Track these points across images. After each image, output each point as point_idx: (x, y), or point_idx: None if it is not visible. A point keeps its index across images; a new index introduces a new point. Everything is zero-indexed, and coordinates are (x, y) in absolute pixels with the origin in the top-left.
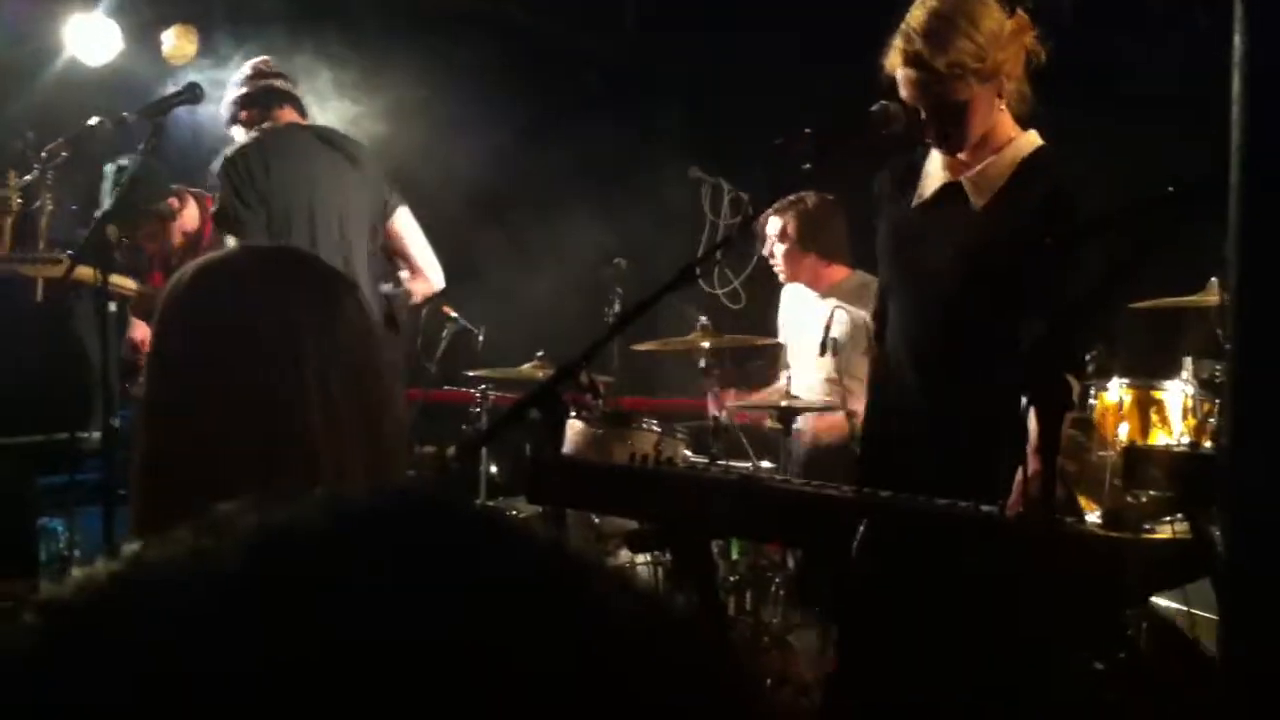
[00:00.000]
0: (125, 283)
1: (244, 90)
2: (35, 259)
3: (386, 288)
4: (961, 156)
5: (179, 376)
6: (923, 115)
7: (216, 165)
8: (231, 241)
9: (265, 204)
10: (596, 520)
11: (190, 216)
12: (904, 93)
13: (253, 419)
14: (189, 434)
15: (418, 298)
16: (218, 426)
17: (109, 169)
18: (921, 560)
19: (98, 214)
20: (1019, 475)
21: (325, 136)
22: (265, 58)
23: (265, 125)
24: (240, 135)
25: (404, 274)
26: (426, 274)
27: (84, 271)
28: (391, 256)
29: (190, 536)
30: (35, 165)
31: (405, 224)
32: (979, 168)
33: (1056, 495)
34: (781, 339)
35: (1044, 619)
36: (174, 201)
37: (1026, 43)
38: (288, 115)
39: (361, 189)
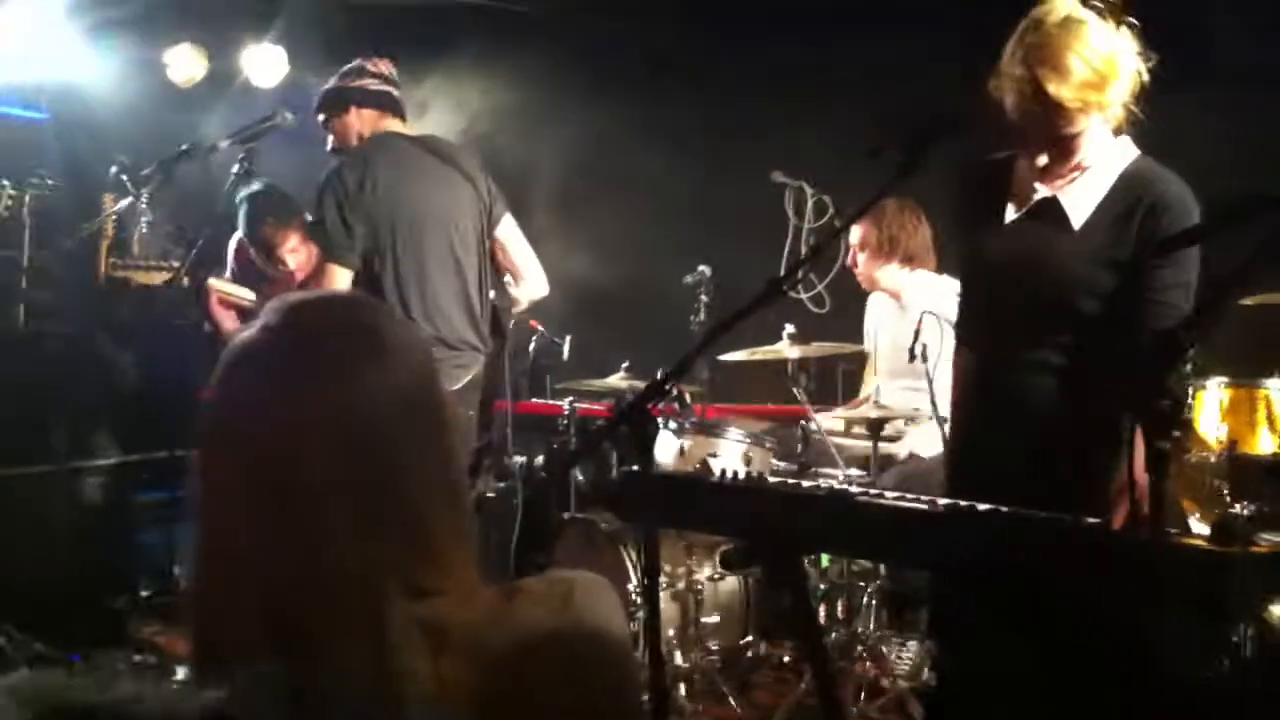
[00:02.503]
0: (242, 292)
1: (349, 86)
2: (143, 267)
3: (493, 296)
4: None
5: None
6: (1029, 142)
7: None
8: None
9: (370, 220)
10: (686, 534)
11: None
12: (1015, 117)
13: (260, 475)
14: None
15: (524, 304)
16: (234, 483)
17: (241, 194)
18: (1022, 574)
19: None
20: (1120, 488)
21: (434, 149)
22: (376, 58)
23: (370, 136)
24: (336, 138)
25: (508, 280)
26: (531, 281)
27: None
28: (495, 264)
29: None
30: (129, 190)
31: (509, 232)
32: (1076, 182)
33: (1163, 510)
34: (867, 347)
35: (1149, 635)
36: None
37: (1135, 65)
38: (392, 122)
39: (471, 202)
